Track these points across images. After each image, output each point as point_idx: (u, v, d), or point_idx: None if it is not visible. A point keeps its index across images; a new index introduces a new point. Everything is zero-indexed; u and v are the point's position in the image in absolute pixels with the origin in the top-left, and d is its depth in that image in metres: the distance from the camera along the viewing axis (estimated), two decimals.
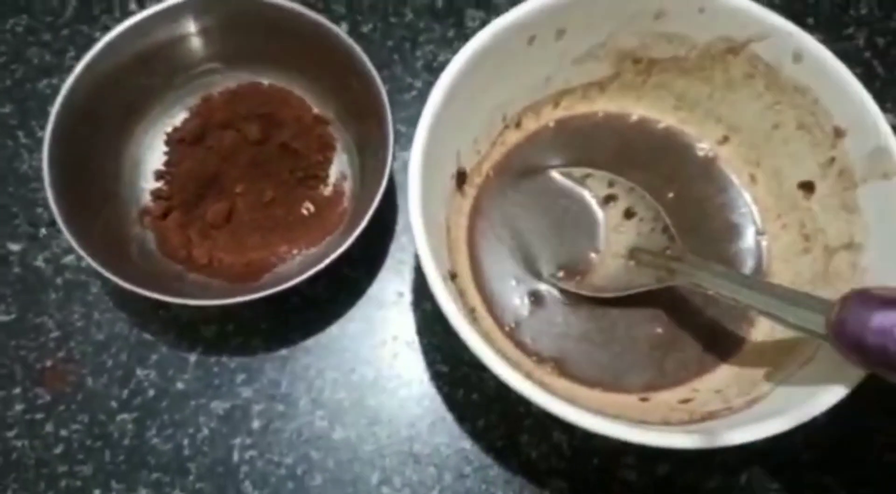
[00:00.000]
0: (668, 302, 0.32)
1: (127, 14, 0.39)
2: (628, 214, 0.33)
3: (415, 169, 0.28)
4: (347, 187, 0.36)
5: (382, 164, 0.32)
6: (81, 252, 0.30)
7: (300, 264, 0.35)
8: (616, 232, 0.33)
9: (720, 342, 0.32)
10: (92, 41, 0.38)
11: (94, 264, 0.30)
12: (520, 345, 0.32)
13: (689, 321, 0.32)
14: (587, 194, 0.34)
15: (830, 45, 0.35)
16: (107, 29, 0.39)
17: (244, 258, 0.35)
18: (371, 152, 0.35)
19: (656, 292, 0.31)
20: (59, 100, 0.32)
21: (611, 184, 0.34)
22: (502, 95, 0.33)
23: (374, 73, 0.33)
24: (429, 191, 0.28)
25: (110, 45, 0.33)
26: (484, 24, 0.39)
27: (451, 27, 0.40)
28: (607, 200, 0.34)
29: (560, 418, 0.25)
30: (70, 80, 0.32)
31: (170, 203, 0.35)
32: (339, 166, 0.37)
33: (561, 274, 0.33)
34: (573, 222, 0.34)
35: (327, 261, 0.30)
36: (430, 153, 0.28)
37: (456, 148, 0.32)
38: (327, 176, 0.36)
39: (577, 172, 0.34)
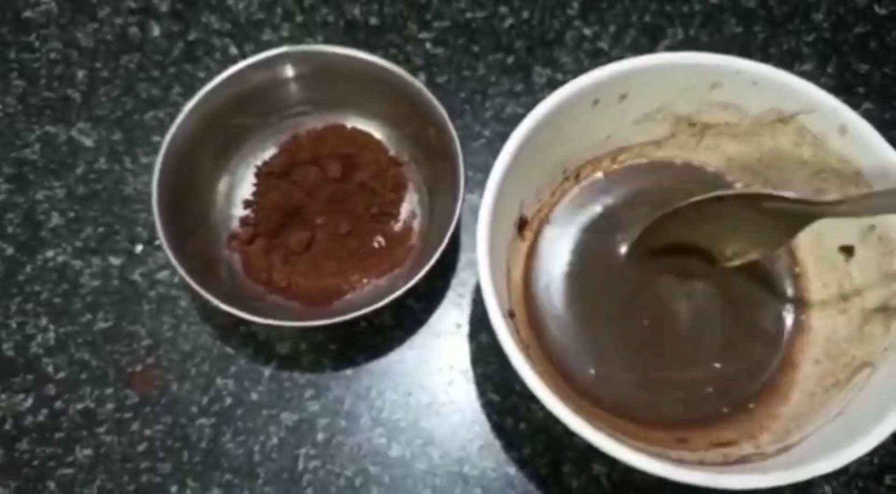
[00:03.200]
0: (712, 347, 0.34)
1: (227, 56, 0.44)
2: None
3: (484, 219, 0.30)
4: (416, 224, 0.39)
5: (452, 207, 0.35)
6: (178, 269, 0.34)
7: (369, 293, 0.38)
8: None
9: (757, 391, 0.34)
10: (195, 80, 0.43)
11: (188, 280, 0.34)
12: (569, 381, 0.34)
13: (729, 368, 0.34)
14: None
15: (880, 113, 0.38)
16: (208, 69, 0.43)
17: (319, 284, 0.38)
18: (441, 194, 0.38)
19: (701, 336, 0.34)
20: (170, 133, 0.36)
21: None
22: (565, 151, 0.36)
23: (450, 124, 0.36)
24: (494, 237, 0.31)
25: (215, 88, 0.37)
26: (550, 80, 0.43)
27: (519, 82, 0.43)
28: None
29: (603, 451, 0.28)
30: (180, 116, 0.36)
31: (256, 230, 0.39)
32: (410, 205, 0.40)
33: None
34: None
35: (398, 293, 0.33)
36: (497, 204, 0.31)
37: (520, 198, 0.35)
38: (398, 213, 0.40)
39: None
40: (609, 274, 0.36)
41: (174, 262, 0.34)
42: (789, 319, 0.35)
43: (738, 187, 0.37)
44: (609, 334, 0.35)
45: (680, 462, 0.31)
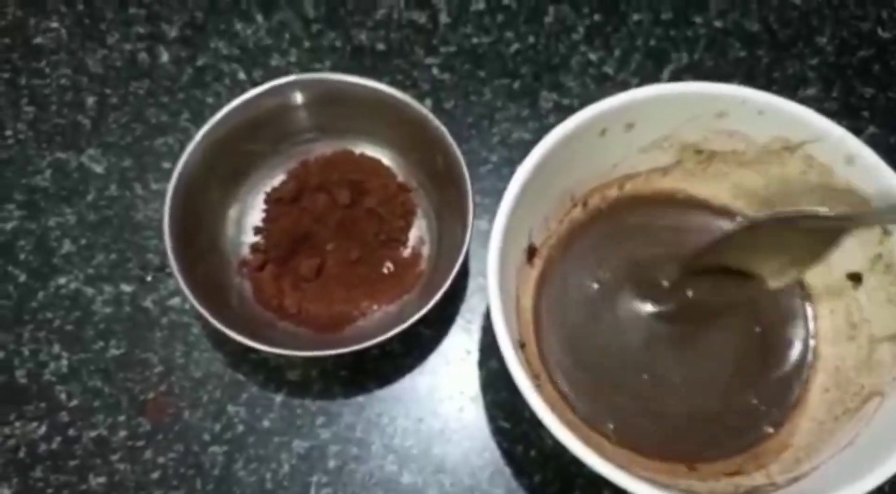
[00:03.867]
0: (721, 377, 0.35)
1: (236, 82, 0.44)
2: None
3: (494, 251, 0.31)
4: (425, 250, 0.40)
5: (461, 233, 0.35)
6: (189, 297, 0.34)
7: (379, 319, 0.38)
8: None
9: (764, 419, 0.34)
10: (204, 106, 0.44)
11: (199, 308, 0.34)
12: (577, 412, 0.34)
13: (738, 398, 0.35)
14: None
15: (885, 138, 0.38)
16: (217, 95, 0.44)
17: (330, 310, 0.38)
18: (449, 220, 0.39)
19: (710, 364, 0.34)
20: (181, 161, 0.36)
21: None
22: (573, 178, 0.36)
23: (457, 150, 0.36)
24: (504, 266, 0.31)
25: (225, 115, 0.37)
26: (556, 105, 0.44)
27: (525, 107, 0.44)
28: None
29: (612, 482, 0.28)
30: (191, 144, 0.36)
31: (266, 256, 0.39)
32: (418, 231, 0.40)
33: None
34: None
35: (409, 322, 0.34)
36: (507, 234, 0.31)
37: (529, 226, 0.35)
38: (407, 240, 0.40)
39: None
40: (619, 304, 0.36)
41: (185, 290, 0.34)
42: (798, 346, 0.36)
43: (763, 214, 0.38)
44: (619, 365, 0.35)
45: (689, 492, 0.31)
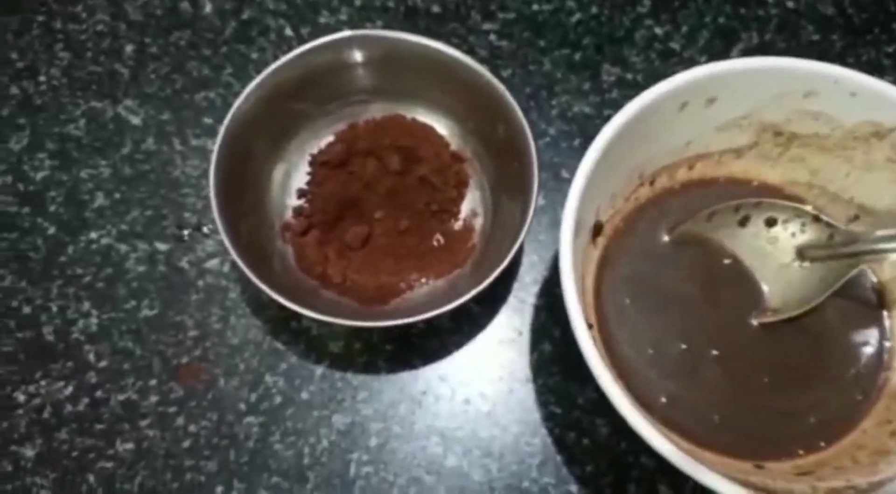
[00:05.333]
0: (792, 377, 0.33)
1: (282, 38, 0.42)
2: (770, 222, 0.34)
3: (567, 227, 0.29)
4: (478, 223, 0.38)
5: (522, 209, 0.33)
6: (235, 256, 0.32)
7: (427, 293, 0.36)
8: (771, 244, 0.34)
9: (838, 422, 0.32)
10: (248, 61, 0.41)
11: (244, 269, 0.32)
12: (640, 399, 0.32)
13: (809, 395, 0.33)
14: (719, 232, 0.35)
15: None
16: (262, 50, 0.42)
17: (376, 281, 0.36)
18: (506, 193, 0.36)
19: (781, 359, 0.32)
20: (229, 115, 0.34)
21: (737, 209, 0.35)
22: (644, 155, 0.34)
23: (525, 123, 0.34)
24: (574, 245, 0.29)
25: (277, 70, 0.35)
26: (619, 79, 0.41)
27: (586, 80, 0.41)
28: (743, 222, 0.35)
29: (686, 473, 0.26)
30: (240, 98, 0.34)
31: (310, 221, 0.37)
32: (471, 203, 0.38)
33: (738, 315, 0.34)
34: (715, 264, 0.35)
35: (462, 299, 0.31)
36: (580, 210, 0.29)
37: (598, 204, 0.33)
38: (459, 211, 0.38)
39: (700, 216, 0.35)
40: (683, 292, 0.34)
41: (231, 249, 0.32)
42: (871, 348, 0.34)
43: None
44: (683, 355, 0.33)
45: (765, 489, 0.29)
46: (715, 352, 0.33)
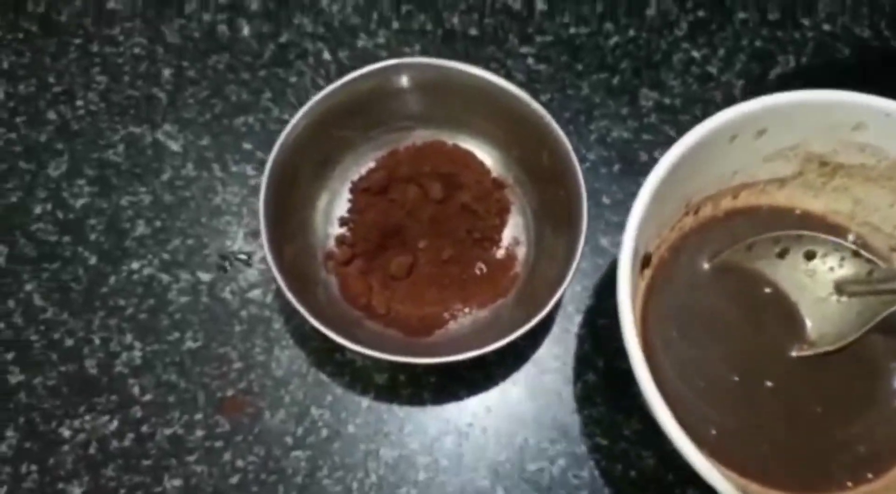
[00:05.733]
0: (841, 411, 0.33)
1: (320, 61, 0.42)
2: (809, 255, 0.34)
3: (625, 262, 0.29)
4: (520, 252, 0.38)
5: (571, 240, 0.33)
6: (283, 287, 0.31)
7: (472, 324, 0.36)
8: (809, 277, 0.34)
9: (886, 449, 0.32)
10: (286, 85, 0.41)
11: (291, 300, 0.31)
12: (690, 431, 0.32)
13: (859, 423, 0.33)
14: (758, 263, 0.35)
15: None
16: (300, 74, 0.41)
17: (420, 312, 0.36)
18: (551, 222, 0.36)
19: (829, 389, 0.32)
20: (277, 144, 0.34)
21: (776, 241, 0.35)
22: (692, 185, 0.34)
23: (571, 151, 0.34)
24: (631, 276, 0.29)
25: (324, 98, 0.35)
26: (657, 104, 0.41)
27: (625, 105, 0.41)
28: (782, 254, 0.35)
29: None
30: (289, 125, 0.34)
31: (353, 250, 0.37)
32: (513, 231, 0.38)
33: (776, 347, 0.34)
34: (756, 293, 0.35)
35: (514, 335, 0.31)
36: (637, 241, 0.29)
37: (647, 234, 0.33)
38: (501, 239, 0.38)
39: (741, 246, 0.35)
40: (729, 322, 0.34)
41: (278, 280, 0.32)
42: None
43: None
44: (736, 387, 0.33)
45: None
46: (769, 383, 0.33)
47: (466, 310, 0.36)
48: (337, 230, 0.37)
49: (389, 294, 0.36)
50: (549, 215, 0.37)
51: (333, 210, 0.38)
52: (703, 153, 0.32)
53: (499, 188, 0.38)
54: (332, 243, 0.37)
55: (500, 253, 0.38)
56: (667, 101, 0.42)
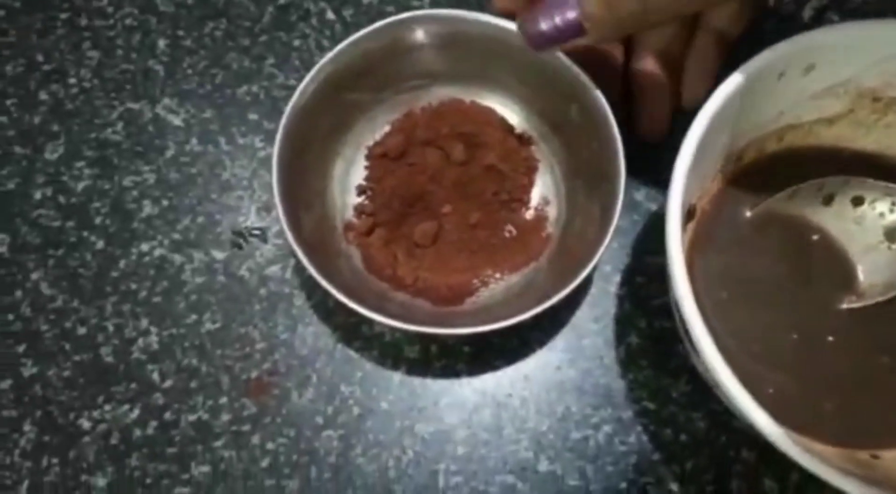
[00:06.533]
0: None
1: (324, 22, 0.39)
2: (857, 201, 0.32)
3: (674, 219, 0.26)
4: (551, 211, 0.35)
5: (607, 197, 0.31)
6: (305, 262, 0.29)
7: (503, 291, 0.34)
8: (857, 225, 0.32)
9: None
10: (290, 48, 0.39)
11: (313, 273, 0.29)
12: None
13: None
14: (803, 210, 0.33)
15: None
16: (305, 37, 0.39)
17: (449, 280, 0.34)
18: (582, 178, 0.34)
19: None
20: (286, 112, 0.31)
21: (821, 187, 0.32)
22: (736, 130, 0.31)
23: (605, 104, 0.31)
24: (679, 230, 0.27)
25: (331, 60, 0.32)
26: None
27: None
28: (827, 201, 0.33)
29: (797, 462, 0.24)
30: (297, 93, 0.31)
31: (374, 220, 0.35)
32: (541, 190, 0.36)
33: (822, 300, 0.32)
34: (803, 243, 0.33)
35: (550, 302, 0.29)
36: (684, 192, 0.27)
37: (691, 187, 0.30)
38: (529, 199, 0.36)
39: (782, 194, 0.33)
40: (779, 277, 0.32)
41: (299, 254, 0.30)
42: None
43: None
44: (796, 345, 0.31)
45: (879, 480, 0.28)
46: (830, 338, 0.31)
47: (497, 275, 0.34)
48: (355, 200, 0.35)
49: (416, 263, 0.34)
50: (580, 171, 0.34)
51: (349, 178, 0.36)
52: (750, 94, 0.29)
53: (525, 145, 0.36)
54: (350, 214, 0.35)
55: (530, 214, 0.36)
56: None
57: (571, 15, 0.27)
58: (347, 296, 0.30)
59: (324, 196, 0.35)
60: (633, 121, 0.34)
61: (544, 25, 0.28)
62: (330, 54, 0.32)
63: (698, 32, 0.33)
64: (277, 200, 0.30)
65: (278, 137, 0.31)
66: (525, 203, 0.36)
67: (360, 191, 0.35)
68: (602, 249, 0.30)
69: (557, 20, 0.27)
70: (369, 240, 0.34)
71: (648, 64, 0.33)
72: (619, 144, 0.31)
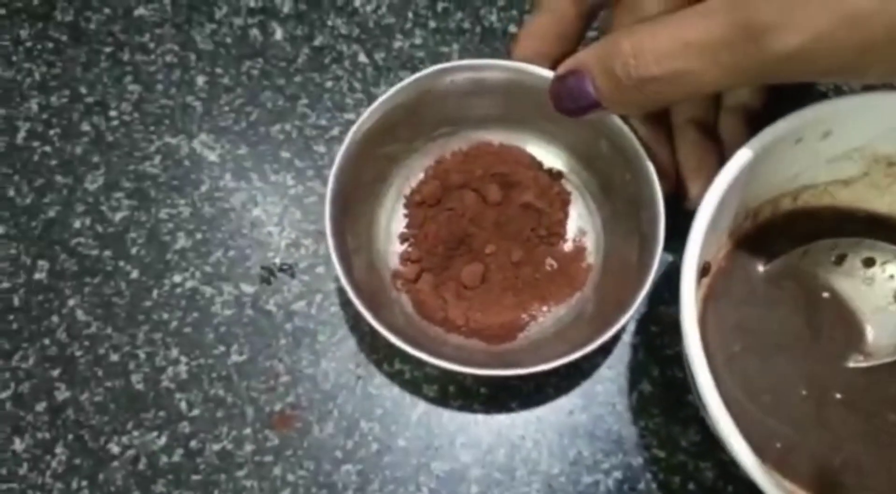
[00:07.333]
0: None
1: (356, 65, 0.41)
2: (868, 262, 0.33)
3: (688, 278, 0.28)
4: (588, 242, 0.37)
5: (650, 224, 0.32)
6: (360, 309, 0.30)
7: (553, 323, 0.35)
8: (867, 285, 0.33)
9: None
10: (322, 89, 0.40)
11: (371, 321, 0.30)
12: (752, 446, 0.31)
13: None
14: (815, 269, 0.34)
15: None
16: (338, 79, 0.40)
17: (499, 318, 0.35)
18: (618, 204, 0.35)
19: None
20: (337, 161, 0.32)
21: (833, 247, 0.33)
22: (754, 190, 0.33)
23: (632, 134, 0.32)
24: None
25: (377, 109, 0.33)
26: None
27: None
28: (839, 260, 0.34)
29: None
30: (346, 141, 0.32)
31: (421, 266, 0.36)
32: (576, 221, 0.37)
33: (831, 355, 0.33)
34: (815, 300, 0.33)
35: (613, 330, 0.30)
36: (700, 257, 0.28)
37: (708, 245, 0.31)
38: (566, 232, 0.37)
39: (796, 252, 0.34)
40: (791, 332, 0.33)
41: (355, 301, 0.30)
42: None
43: None
44: (805, 401, 0.32)
45: None
46: (838, 395, 0.32)
47: (545, 308, 0.36)
48: (398, 248, 0.36)
49: (466, 305, 0.35)
50: (615, 200, 0.36)
51: (391, 228, 0.37)
52: (768, 157, 0.30)
53: (556, 180, 0.37)
54: (394, 262, 0.36)
55: (568, 246, 0.37)
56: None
57: (590, 97, 0.28)
58: (407, 343, 0.30)
59: (370, 247, 0.36)
60: (679, 188, 0.34)
61: (570, 105, 0.29)
62: (368, 110, 0.33)
63: (720, 111, 0.34)
64: (334, 257, 0.31)
65: (328, 198, 0.32)
66: (562, 236, 0.37)
67: (403, 239, 0.37)
68: (651, 274, 0.30)
69: (581, 102, 0.29)
70: (417, 286, 0.35)
71: (690, 135, 0.33)
72: (653, 173, 0.31)
